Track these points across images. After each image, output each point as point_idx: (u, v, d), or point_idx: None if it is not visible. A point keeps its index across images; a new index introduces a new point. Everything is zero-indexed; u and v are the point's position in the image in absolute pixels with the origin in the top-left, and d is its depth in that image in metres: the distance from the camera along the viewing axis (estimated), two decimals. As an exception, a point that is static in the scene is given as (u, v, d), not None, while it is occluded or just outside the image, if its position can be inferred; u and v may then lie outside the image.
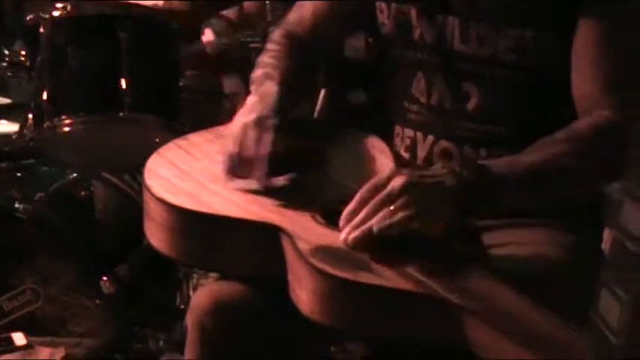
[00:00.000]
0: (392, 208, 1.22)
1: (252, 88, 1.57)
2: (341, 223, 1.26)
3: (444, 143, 1.46)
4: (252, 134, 1.42)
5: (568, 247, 1.37)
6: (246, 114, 1.46)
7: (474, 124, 1.43)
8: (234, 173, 1.42)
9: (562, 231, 1.39)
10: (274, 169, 1.41)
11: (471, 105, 1.43)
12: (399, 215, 1.21)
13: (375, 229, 1.21)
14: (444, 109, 1.46)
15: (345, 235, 1.23)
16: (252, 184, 1.39)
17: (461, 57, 1.43)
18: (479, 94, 1.42)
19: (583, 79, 1.37)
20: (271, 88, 1.50)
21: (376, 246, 1.23)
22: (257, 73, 1.59)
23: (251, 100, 1.51)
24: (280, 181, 1.39)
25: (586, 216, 1.31)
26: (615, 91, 1.34)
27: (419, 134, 1.49)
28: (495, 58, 1.40)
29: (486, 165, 1.30)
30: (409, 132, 1.51)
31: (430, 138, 1.48)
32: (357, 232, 1.23)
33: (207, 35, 2.60)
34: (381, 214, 1.22)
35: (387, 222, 1.21)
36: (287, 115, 1.46)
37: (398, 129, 1.55)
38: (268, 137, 1.41)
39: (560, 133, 1.34)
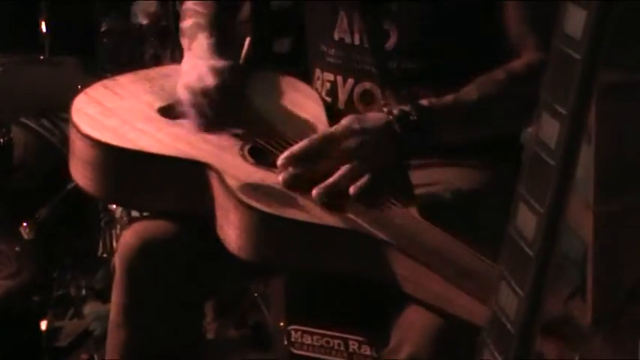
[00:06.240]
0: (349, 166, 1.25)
1: (184, 41, 1.54)
2: (280, 162, 1.27)
3: (364, 85, 1.47)
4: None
5: (489, 184, 1.40)
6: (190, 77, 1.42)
7: (394, 63, 1.44)
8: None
9: (483, 169, 1.42)
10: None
11: (390, 44, 1.44)
12: (365, 179, 1.24)
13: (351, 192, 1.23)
14: (364, 49, 1.47)
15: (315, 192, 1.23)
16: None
17: None
18: (398, 32, 1.43)
19: (512, 19, 1.39)
20: (204, 42, 1.49)
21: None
22: (186, 22, 1.56)
23: (188, 62, 1.48)
24: None
25: (506, 155, 1.34)
26: (544, 30, 1.36)
27: (339, 77, 1.50)
28: None
29: (431, 106, 1.31)
30: (329, 75, 1.52)
31: (350, 81, 1.48)
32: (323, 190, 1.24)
33: None
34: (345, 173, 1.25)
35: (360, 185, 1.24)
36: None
37: (318, 73, 1.55)
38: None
39: (499, 73, 1.37)
